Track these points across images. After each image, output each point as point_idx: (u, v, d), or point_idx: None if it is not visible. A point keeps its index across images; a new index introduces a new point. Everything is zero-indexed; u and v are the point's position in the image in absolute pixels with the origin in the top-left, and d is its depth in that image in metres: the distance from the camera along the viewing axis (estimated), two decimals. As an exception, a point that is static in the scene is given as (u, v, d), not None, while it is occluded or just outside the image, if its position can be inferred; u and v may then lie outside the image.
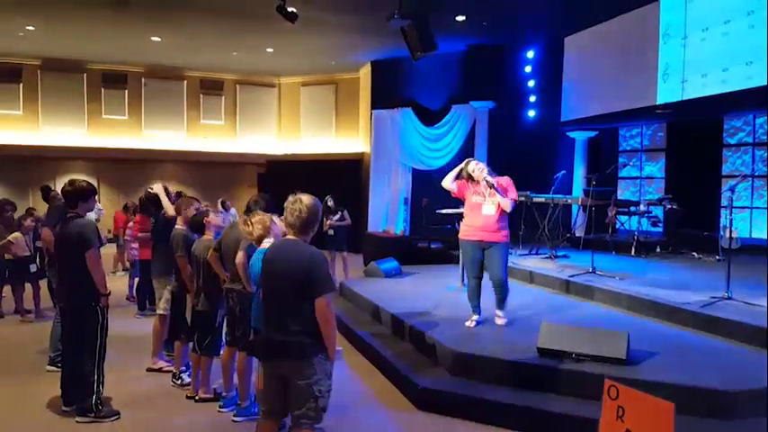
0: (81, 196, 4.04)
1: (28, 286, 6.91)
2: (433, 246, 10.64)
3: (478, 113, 12.09)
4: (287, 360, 2.85)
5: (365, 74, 14.36)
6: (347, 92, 15.31)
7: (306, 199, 2.93)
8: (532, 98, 11.90)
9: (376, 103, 13.39)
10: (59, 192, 4.61)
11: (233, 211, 10.58)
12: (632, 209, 9.36)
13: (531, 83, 11.90)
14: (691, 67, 8.57)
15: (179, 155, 15.59)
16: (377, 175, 13.37)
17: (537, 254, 8.91)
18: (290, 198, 2.96)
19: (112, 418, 4.02)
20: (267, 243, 3.66)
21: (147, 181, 14.41)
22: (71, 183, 4.15)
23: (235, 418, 4.04)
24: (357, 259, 10.97)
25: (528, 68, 11.93)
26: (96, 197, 4.26)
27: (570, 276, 6.92)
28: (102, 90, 15.24)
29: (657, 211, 9.50)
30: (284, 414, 2.98)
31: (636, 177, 11.63)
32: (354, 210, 10.46)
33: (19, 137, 14.40)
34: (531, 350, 4.44)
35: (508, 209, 5.10)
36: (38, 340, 5.53)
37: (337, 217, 9.33)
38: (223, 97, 16.21)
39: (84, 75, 15.06)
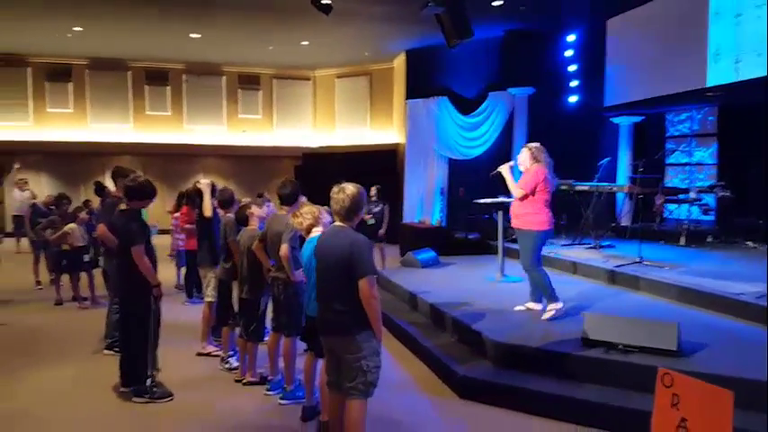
0: (140, 194, 4.22)
1: (84, 275, 7.25)
2: (470, 236, 10.59)
3: (517, 100, 11.92)
4: (335, 336, 3.10)
5: (399, 63, 14.34)
6: (381, 82, 15.34)
7: (350, 188, 3.14)
8: (574, 83, 11.64)
9: (411, 93, 13.33)
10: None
11: (270, 203, 10.75)
12: (681, 197, 9.09)
13: (572, 67, 11.64)
14: (745, 47, 8.19)
15: (219, 149, 15.97)
16: (412, 165, 13.34)
17: (581, 244, 8.76)
18: (335, 188, 3.17)
19: (166, 399, 4.22)
20: (316, 232, 3.76)
21: (191, 174, 14.85)
22: (134, 179, 4.33)
23: (281, 401, 4.18)
24: (393, 250, 11.02)
25: (569, 53, 11.67)
26: (153, 199, 4.37)
27: (616, 266, 6.79)
28: (146, 87, 15.75)
29: (709, 199, 9.18)
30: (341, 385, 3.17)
31: (685, 164, 11.25)
32: (390, 201, 10.51)
33: (70, 133, 15.05)
34: (575, 341, 4.41)
35: (514, 195, 5.31)
36: (94, 326, 5.78)
37: (378, 209, 9.39)
38: (260, 92, 16.50)
39: (129, 73, 15.59)
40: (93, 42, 13.42)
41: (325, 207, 3.82)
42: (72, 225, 7.00)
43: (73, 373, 4.86)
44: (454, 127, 12.62)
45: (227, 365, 4.86)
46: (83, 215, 7.17)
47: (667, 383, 2.26)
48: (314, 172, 15.55)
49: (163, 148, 15.53)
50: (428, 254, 8.71)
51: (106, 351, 5.20)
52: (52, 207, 7.86)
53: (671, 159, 11.30)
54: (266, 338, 4.53)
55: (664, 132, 11.54)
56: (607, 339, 4.26)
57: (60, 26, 11.93)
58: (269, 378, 4.43)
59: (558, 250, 8.26)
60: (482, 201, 7.90)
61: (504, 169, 5.55)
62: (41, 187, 14.01)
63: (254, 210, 4.74)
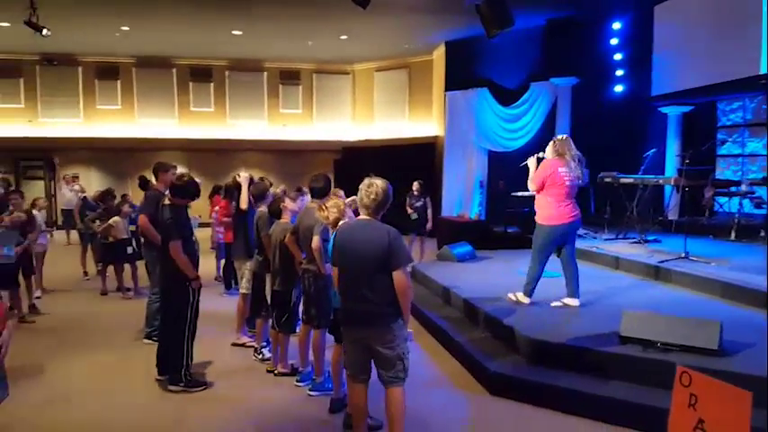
0: (183, 193, 4.33)
1: (128, 266, 7.54)
2: (509, 230, 10.43)
3: (560, 91, 11.62)
4: (371, 328, 3.14)
5: (439, 55, 14.22)
6: (420, 75, 15.25)
7: (380, 183, 3.21)
8: (620, 72, 11.26)
9: (450, 85, 13.20)
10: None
11: (307, 198, 10.91)
12: (733, 189, 8.67)
13: (617, 56, 11.26)
14: (802, 31, 7.74)
15: (260, 143, 16.28)
16: (451, 158, 13.21)
17: (625, 238, 8.50)
18: (366, 181, 3.24)
19: (200, 388, 4.35)
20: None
21: (233, 168, 15.16)
22: (180, 177, 4.49)
23: (310, 393, 4.25)
24: (431, 243, 10.98)
25: (614, 41, 11.29)
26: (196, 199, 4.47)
27: (660, 262, 6.56)
28: (191, 84, 16.19)
29: (762, 192, 8.73)
30: (368, 375, 3.27)
31: (737, 155, 10.72)
32: (430, 194, 10.48)
33: (118, 129, 15.64)
34: (611, 338, 4.29)
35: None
36: (136, 315, 6.00)
37: (420, 203, 9.39)
38: (300, 86, 16.70)
39: (174, 70, 16.06)
40: (140, 41, 13.87)
41: (352, 198, 3.85)
42: (116, 218, 7.29)
43: (113, 361, 5.08)
44: (495, 118, 12.42)
45: (260, 356, 4.97)
46: (125, 208, 7.46)
47: (685, 383, 2.18)
48: (353, 166, 15.64)
49: (206, 144, 15.95)
50: (464, 248, 8.64)
51: (146, 340, 5.40)
52: (99, 202, 8.20)
53: (722, 150, 10.79)
54: (298, 330, 4.60)
55: (715, 122, 11.01)
56: (644, 337, 4.13)
57: (109, 26, 12.38)
58: (300, 369, 4.50)
59: (601, 245, 8.04)
60: (521, 193, 7.77)
61: (531, 161, 5.47)
62: (91, 182, 14.63)
63: (287, 203, 4.81)
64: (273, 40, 13.69)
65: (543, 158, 5.34)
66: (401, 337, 3.17)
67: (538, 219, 5.27)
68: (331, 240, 3.83)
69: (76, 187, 11.79)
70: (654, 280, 6.44)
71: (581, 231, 9.38)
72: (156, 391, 4.36)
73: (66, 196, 12.26)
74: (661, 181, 8.28)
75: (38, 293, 7.40)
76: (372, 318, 3.12)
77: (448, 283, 6.65)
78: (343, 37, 13.30)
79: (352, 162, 15.78)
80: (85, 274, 8.72)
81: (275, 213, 4.70)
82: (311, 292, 4.18)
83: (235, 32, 13.03)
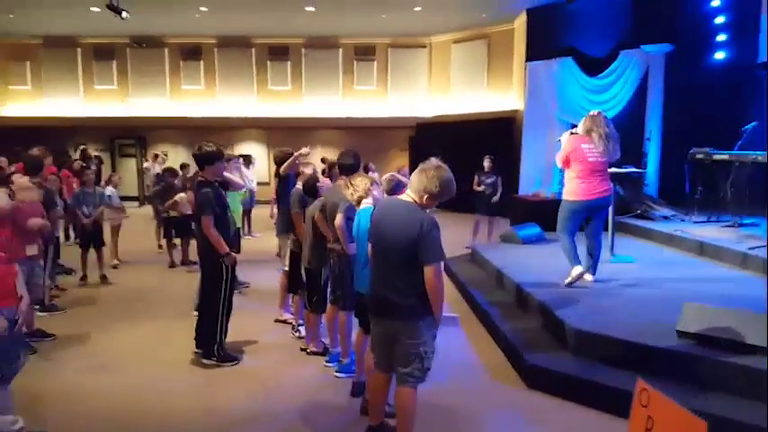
0: (207, 160, 4.39)
1: (194, 242, 7.90)
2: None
3: (652, 59, 10.62)
4: (395, 320, 2.98)
5: (520, 24, 13.52)
6: (500, 45, 14.60)
7: (446, 173, 2.92)
8: (721, 37, 10.05)
9: (532, 55, 12.53)
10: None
11: (375, 174, 10.87)
12: None
13: (719, 19, 10.04)
14: None
15: (335, 121, 16.43)
16: (531, 132, 12.59)
17: (717, 221, 7.71)
18: (433, 161, 2.97)
19: (231, 363, 4.47)
20: (365, 204, 3.69)
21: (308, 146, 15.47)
22: (199, 147, 4.52)
23: (336, 374, 4.22)
24: (504, 224, 10.58)
25: (715, 2, 10.08)
26: (229, 162, 4.54)
27: (750, 249, 5.86)
28: (268, 62, 16.64)
29: None
30: (391, 368, 3.09)
31: None
32: (506, 171, 10.06)
33: (201, 108, 16.45)
34: (670, 333, 3.87)
35: None
36: (195, 289, 6.27)
37: (491, 180, 9.08)
38: (375, 62, 16.61)
39: (253, 49, 16.56)
40: (220, 22, 14.40)
41: (391, 174, 3.72)
42: (181, 195, 7.64)
43: (160, 331, 5.35)
44: (579, 90, 11.64)
45: (296, 334, 5.03)
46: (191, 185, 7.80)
47: (644, 402, 1.86)
48: (428, 142, 15.41)
49: (283, 122, 16.37)
50: (532, 230, 8.24)
51: (194, 313, 5.62)
52: (162, 178, 8.65)
53: None
54: (328, 310, 4.58)
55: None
56: (708, 333, 3.69)
57: (189, 8, 12.95)
58: (330, 350, 4.49)
59: (688, 228, 7.33)
60: (611, 170, 7.22)
61: (564, 137, 5.37)
62: (178, 159, 15.51)
63: (324, 181, 4.77)
64: (347, 14, 13.67)
65: (576, 134, 5.24)
66: (429, 334, 2.98)
67: (563, 194, 5.35)
68: (356, 219, 3.76)
69: (157, 166, 12.57)
70: (740, 269, 5.77)
71: (667, 213, 8.65)
72: (190, 364, 4.52)
73: (152, 173, 13.10)
74: (759, 158, 7.34)
75: (115, 262, 8.00)
76: (398, 309, 2.94)
77: (503, 267, 6.36)
78: (418, 9, 13.00)
79: (428, 138, 15.54)
80: (160, 247, 9.23)
81: (309, 191, 4.67)
82: (336, 272, 4.12)
83: (308, 9, 13.14)
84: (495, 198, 9.08)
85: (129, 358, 4.68)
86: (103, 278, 7.24)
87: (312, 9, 13.14)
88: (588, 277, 5.34)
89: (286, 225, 5.32)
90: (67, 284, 6.99)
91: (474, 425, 3.59)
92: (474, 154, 9.80)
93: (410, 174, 3.67)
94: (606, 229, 6.63)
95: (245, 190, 7.59)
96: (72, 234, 8.96)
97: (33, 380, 4.09)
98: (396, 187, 3.40)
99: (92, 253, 7.20)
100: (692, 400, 3.37)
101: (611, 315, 4.47)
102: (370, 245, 3.16)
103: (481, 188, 9.10)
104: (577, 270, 5.21)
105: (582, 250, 5.36)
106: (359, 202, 3.76)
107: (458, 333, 5.28)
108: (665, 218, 8.47)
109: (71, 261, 7.58)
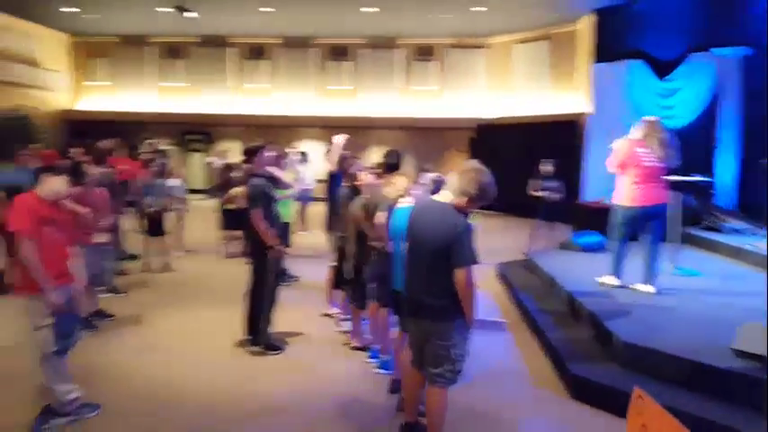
0: (253, 151, 4.64)
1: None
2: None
3: (725, 62, 10.08)
4: (426, 320, 3.01)
5: (584, 25, 13.17)
6: (564, 47, 14.27)
7: (485, 176, 2.92)
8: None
9: (598, 57, 12.17)
10: None
11: (429, 176, 10.87)
12: None
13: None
14: None
15: (393, 121, 16.55)
16: (596, 136, 12.16)
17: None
18: (473, 164, 2.99)
19: (276, 352, 4.63)
20: (404, 203, 3.73)
21: (367, 146, 15.68)
22: (246, 145, 4.79)
23: (376, 370, 4.30)
24: (566, 231, 10.33)
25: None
26: (282, 158, 4.76)
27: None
28: (328, 62, 16.98)
29: None
30: (423, 367, 3.12)
31: None
32: (568, 176, 9.81)
33: (263, 107, 16.99)
34: (725, 351, 3.70)
35: None
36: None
37: (551, 185, 8.92)
38: (434, 62, 16.62)
39: (314, 49, 16.95)
40: (282, 22, 14.84)
41: (437, 174, 3.74)
42: (238, 189, 7.94)
43: (212, 317, 5.60)
44: (648, 94, 11.20)
45: (341, 328, 5.13)
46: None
47: (639, 409, 1.80)
48: (488, 144, 15.27)
49: (342, 121, 16.58)
50: (592, 238, 8.00)
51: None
52: (221, 173, 9.02)
53: None
54: (372, 306, 4.65)
55: None
56: (763, 353, 3.49)
57: (252, 8, 13.42)
58: (371, 346, 4.56)
59: (759, 242, 6.91)
60: (673, 178, 6.92)
61: (616, 143, 5.30)
62: (240, 156, 16.11)
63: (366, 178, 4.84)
64: (407, 15, 13.75)
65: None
66: (461, 336, 2.98)
67: (616, 199, 5.25)
68: (394, 218, 3.79)
69: (219, 160, 13.09)
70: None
71: (738, 225, 8.18)
72: (237, 350, 4.72)
73: (215, 167, 13.65)
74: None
75: (179, 253, 8.42)
76: (430, 310, 2.97)
77: (556, 274, 6.23)
78: (479, 9, 12.90)
79: (488, 140, 15.40)
80: (222, 238, 9.62)
81: (356, 189, 4.76)
82: (377, 269, 4.18)
83: (367, 10, 13.31)
84: (557, 195, 8.85)
85: (181, 341, 4.94)
86: (165, 265, 7.64)
87: (372, 10, 13.30)
88: (647, 288, 5.22)
89: (332, 221, 5.44)
90: (131, 270, 7.43)
91: (510, 430, 3.56)
92: (536, 156, 9.64)
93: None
94: (667, 240, 6.40)
95: (292, 189, 7.74)
96: (140, 223, 9.48)
97: (91, 356, 4.39)
98: (440, 188, 3.42)
99: (156, 240, 7.61)
100: (748, 425, 3.22)
101: (666, 329, 4.31)
102: (405, 244, 3.19)
103: (540, 193, 8.93)
104: (612, 281, 5.36)
105: (639, 261, 5.21)
106: (398, 201, 3.80)
107: (504, 338, 5.23)
108: (736, 231, 8.02)
109: (136, 248, 8.03)
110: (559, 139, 13.09)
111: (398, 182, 3.85)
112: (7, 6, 13.93)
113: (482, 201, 2.96)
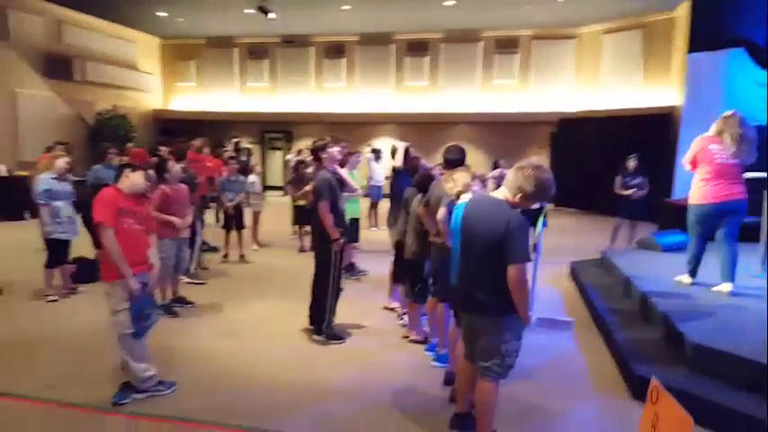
0: (320, 148, 4.93)
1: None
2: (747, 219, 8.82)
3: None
4: (478, 315, 3.12)
5: (681, 12, 12.50)
6: (658, 36, 13.66)
7: (544, 173, 2.95)
8: None
9: (695, 46, 11.56)
10: None
11: (497, 171, 10.80)
12: None
13: None
14: None
15: (471, 116, 16.52)
16: (689, 131, 11.43)
17: None
18: (533, 160, 3.04)
19: (338, 342, 4.89)
20: (464, 199, 3.83)
21: (444, 142, 15.68)
22: (320, 139, 5.09)
23: (433, 363, 4.44)
24: (652, 229, 9.95)
25: None
26: (352, 156, 5.00)
27: None
28: (407, 58, 17.22)
29: None
30: (474, 361, 3.24)
31: None
32: (659, 173, 9.44)
33: (341, 104, 17.50)
34: (809, 358, 3.53)
35: None
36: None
37: (636, 182, 8.66)
38: (517, 55, 16.40)
39: (393, 46, 17.24)
40: (361, 19, 15.24)
41: (500, 170, 3.82)
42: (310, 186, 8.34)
43: (281, 307, 5.97)
44: (750, 85, 10.52)
45: (401, 322, 5.32)
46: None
47: (654, 399, 1.82)
48: (571, 139, 14.91)
49: (419, 117, 16.83)
50: (675, 237, 7.69)
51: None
52: (294, 170, 9.45)
53: None
54: (432, 301, 4.79)
55: None
56: None
57: (332, 7, 13.90)
58: (429, 340, 4.71)
59: None
60: (751, 175, 6.56)
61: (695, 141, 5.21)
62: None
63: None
64: (489, 6, 13.69)
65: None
66: (511, 332, 3.04)
67: (689, 197, 5.25)
68: (454, 214, 3.91)
69: (295, 158, 13.66)
70: None
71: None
72: (303, 339, 5.04)
73: (291, 165, 14.27)
74: None
75: (255, 246, 8.97)
76: (481, 305, 3.05)
77: (632, 274, 6.08)
78: (564, -3, 12.65)
79: (570, 135, 15.04)
80: (294, 233, 10.12)
81: (420, 186, 4.91)
82: (437, 264, 4.32)
83: (449, 3, 13.38)
84: (642, 191, 8.57)
85: (252, 328, 5.33)
86: (242, 257, 8.20)
87: (453, 2, 13.37)
88: (723, 288, 5.11)
89: (394, 218, 5.64)
90: (211, 261, 8.02)
91: (566, 428, 3.59)
92: (622, 152, 9.35)
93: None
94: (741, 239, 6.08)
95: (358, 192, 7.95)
96: (220, 217, 10.17)
97: (171, 339, 4.86)
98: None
99: (234, 234, 8.17)
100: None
101: (742, 332, 4.15)
102: (460, 241, 3.27)
103: (626, 191, 8.67)
104: (687, 279, 5.45)
105: (717, 261, 5.04)
106: (458, 196, 3.90)
107: (569, 337, 5.21)
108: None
109: (216, 240, 8.66)
110: (649, 134, 12.57)
111: (459, 177, 3.94)
112: (109, 14, 15.33)
113: (539, 198, 2.99)
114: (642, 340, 4.64)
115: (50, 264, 6.06)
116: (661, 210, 10.71)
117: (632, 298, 5.69)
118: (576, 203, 15.00)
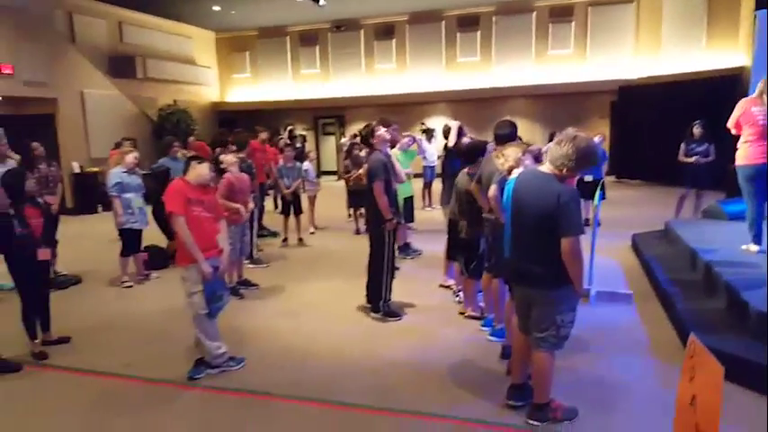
0: (369, 134, 5.11)
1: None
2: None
3: None
4: (531, 287, 3.21)
5: (750, -36, 11.75)
6: (723, -8, 12.90)
7: (582, 140, 2.98)
8: None
9: (762, 1, 10.86)
10: None
11: (546, 146, 10.60)
12: None
13: None
14: None
15: (526, 89, 16.18)
16: (761, 93, 11.01)
17: None
18: (570, 131, 3.05)
19: (395, 319, 5.08)
20: (516, 174, 3.88)
21: (497, 117, 15.45)
22: (367, 125, 5.28)
23: (489, 338, 4.54)
24: (719, 198, 9.57)
25: None
26: (382, 131, 5.13)
27: None
28: (458, 34, 17.03)
29: None
30: (529, 333, 3.33)
31: None
32: (727, 139, 9.02)
33: (393, 85, 17.57)
34: None
35: None
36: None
37: (702, 149, 8.37)
38: (573, 23, 15.90)
39: (443, 23, 17.09)
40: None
41: (544, 146, 3.84)
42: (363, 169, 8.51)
43: (339, 287, 6.22)
44: (827, 39, 9.85)
45: (456, 298, 5.44)
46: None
47: (691, 353, 1.84)
48: (632, 107, 14.42)
49: (471, 94, 16.65)
50: (742, 204, 7.36)
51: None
52: (347, 153, 9.64)
53: None
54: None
55: None
56: None
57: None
58: (485, 315, 4.81)
59: None
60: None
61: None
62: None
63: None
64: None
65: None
66: (565, 304, 3.10)
67: (736, 159, 5.34)
68: (505, 189, 3.96)
69: (349, 142, 13.86)
70: None
71: None
72: (360, 316, 5.26)
73: (345, 149, 14.51)
74: None
75: (311, 230, 9.28)
76: (534, 278, 3.12)
77: (696, 244, 5.94)
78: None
79: (632, 103, 14.53)
80: (349, 216, 10.37)
81: (466, 155, 4.97)
82: (490, 240, 4.39)
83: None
84: (705, 161, 8.28)
85: (313, 307, 5.60)
86: (300, 241, 8.53)
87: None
88: (753, 248, 5.27)
89: (447, 196, 5.72)
90: (271, 245, 8.38)
91: (624, 397, 3.63)
92: (688, 119, 9.02)
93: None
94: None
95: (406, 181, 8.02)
96: (278, 203, 10.54)
97: (238, 319, 5.18)
98: None
99: (292, 219, 8.49)
100: None
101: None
102: (510, 215, 3.34)
103: (690, 158, 8.38)
104: (753, 247, 5.38)
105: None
106: (510, 172, 3.95)
107: (630, 309, 5.19)
108: None
109: (276, 225, 9.02)
110: (716, 98, 11.95)
111: (510, 153, 3.98)
112: (166, 12, 15.97)
113: (582, 168, 3.03)
114: (705, 310, 4.58)
115: (125, 252, 6.53)
116: (729, 178, 10.25)
117: (696, 269, 5.57)
118: (639, 174, 14.53)
